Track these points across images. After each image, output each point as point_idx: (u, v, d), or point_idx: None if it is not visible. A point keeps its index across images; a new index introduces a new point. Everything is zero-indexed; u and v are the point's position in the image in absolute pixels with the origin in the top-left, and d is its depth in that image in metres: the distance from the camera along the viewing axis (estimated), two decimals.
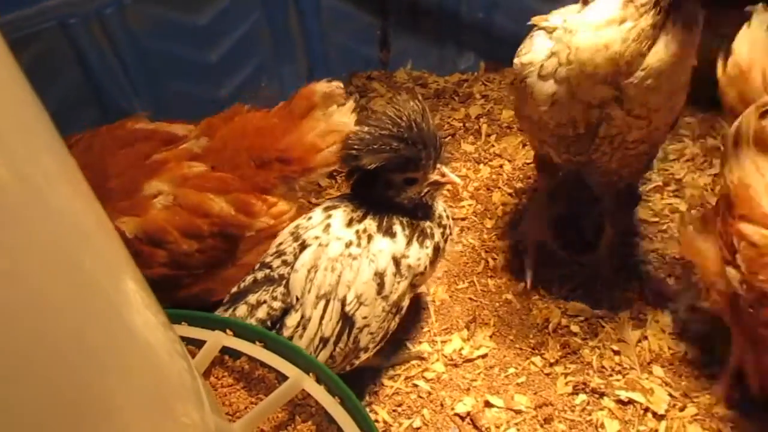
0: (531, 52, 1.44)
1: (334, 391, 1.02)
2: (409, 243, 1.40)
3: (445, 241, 1.49)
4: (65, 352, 0.49)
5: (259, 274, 1.42)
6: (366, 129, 1.37)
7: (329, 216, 1.42)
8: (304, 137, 1.65)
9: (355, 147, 1.36)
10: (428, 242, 1.43)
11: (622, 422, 1.43)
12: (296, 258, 1.38)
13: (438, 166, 1.39)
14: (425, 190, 1.40)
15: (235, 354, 1.13)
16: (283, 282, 1.38)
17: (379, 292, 1.35)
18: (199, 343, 1.13)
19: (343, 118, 1.66)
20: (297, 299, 1.35)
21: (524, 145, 2.23)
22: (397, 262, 1.38)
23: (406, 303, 1.44)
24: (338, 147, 1.53)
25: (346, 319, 1.34)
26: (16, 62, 0.51)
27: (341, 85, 1.69)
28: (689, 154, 2.11)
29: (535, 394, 1.53)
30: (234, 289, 1.44)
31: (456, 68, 2.66)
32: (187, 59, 2.24)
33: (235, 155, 1.61)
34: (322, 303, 1.33)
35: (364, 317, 1.35)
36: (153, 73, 2.19)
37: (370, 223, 1.40)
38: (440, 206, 1.50)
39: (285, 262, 1.40)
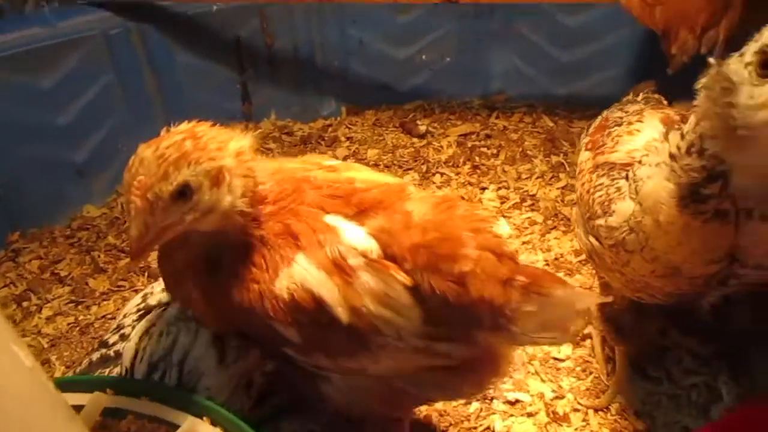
0: None
1: (232, 430, 0.99)
2: None
3: None
4: None
5: (95, 356, 1.31)
6: None
7: None
8: None
9: None
10: None
11: (513, 421, 1.51)
12: (134, 329, 1.27)
13: None
14: None
15: (120, 413, 1.07)
16: (120, 360, 1.26)
17: (221, 360, 1.23)
18: (75, 409, 1.05)
19: None
20: (127, 371, 1.22)
21: None
22: None
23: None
24: None
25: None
26: None
27: None
28: (539, 172, 2.33)
29: (429, 406, 1.57)
30: (69, 375, 1.33)
31: (319, 114, 2.76)
32: (32, 124, 2.14)
33: None
34: (158, 374, 1.20)
35: (207, 388, 1.20)
36: None
37: None
38: None
39: (123, 336, 1.29)
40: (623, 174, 1.17)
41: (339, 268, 1.02)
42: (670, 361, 1.62)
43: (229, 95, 2.64)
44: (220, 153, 1.03)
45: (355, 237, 1.04)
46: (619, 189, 1.15)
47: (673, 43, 1.82)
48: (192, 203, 1.00)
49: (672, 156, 0.98)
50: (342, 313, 1.01)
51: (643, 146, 1.19)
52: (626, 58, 2.56)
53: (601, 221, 1.18)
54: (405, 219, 1.06)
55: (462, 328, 1.06)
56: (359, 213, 1.08)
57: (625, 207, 1.12)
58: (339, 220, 1.07)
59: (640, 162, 1.11)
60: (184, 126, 1.07)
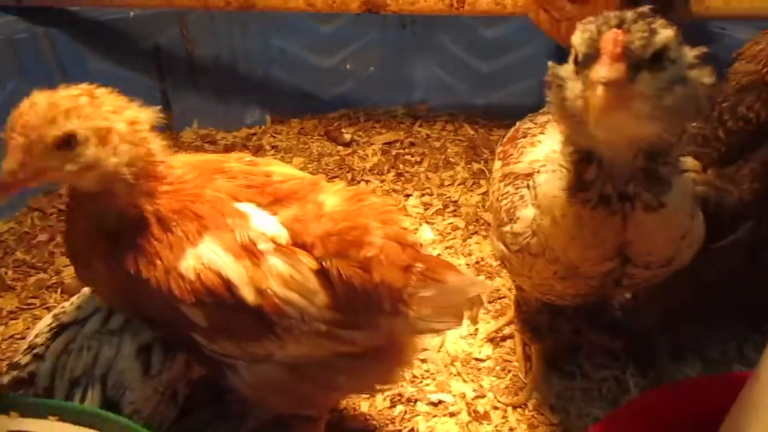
0: None
1: None
2: None
3: None
4: None
5: (5, 378, 1.22)
6: None
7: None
8: None
9: None
10: None
11: (436, 421, 1.55)
12: (48, 348, 1.22)
13: None
14: None
15: None
16: (35, 380, 1.19)
17: (145, 372, 1.20)
18: None
19: None
20: (45, 389, 1.16)
21: None
22: None
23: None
24: None
25: (111, 407, 1.16)
26: None
27: None
28: (460, 179, 2.40)
29: (355, 411, 1.58)
30: None
31: (243, 123, 2.72)
32: None
33: None
34: (79, 391, 1.16)
35: (131, 402, 1.17)
36: None
37: None
38: None
39: (36, 356, 1.21)
40: (525, 183, 1.24)
41: (248, 252, 1.05)
42: (583, 356, 1.71)
43: (148, 103, 2.56)
44: (114, 116, 1.06)
45: (265, 224, 1.09)
46: (522, 197, 1.22)
47: None
48: (74, 155, 1.01)
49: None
50: (248, 294, 1.04)
51: (544, 157, 1.25)
52: (541, 70, 2.63)
53: (507, 228, 1.24)
54: (317, 209, 1.11)
55: (365, 313, 1.10)
56: (273, 202, 1.12)
57: (527, 213, 1.19)
58: (251, 207, 1.11)
59: (538, 171, 1.19)
60: (85, 85, 1.08)
